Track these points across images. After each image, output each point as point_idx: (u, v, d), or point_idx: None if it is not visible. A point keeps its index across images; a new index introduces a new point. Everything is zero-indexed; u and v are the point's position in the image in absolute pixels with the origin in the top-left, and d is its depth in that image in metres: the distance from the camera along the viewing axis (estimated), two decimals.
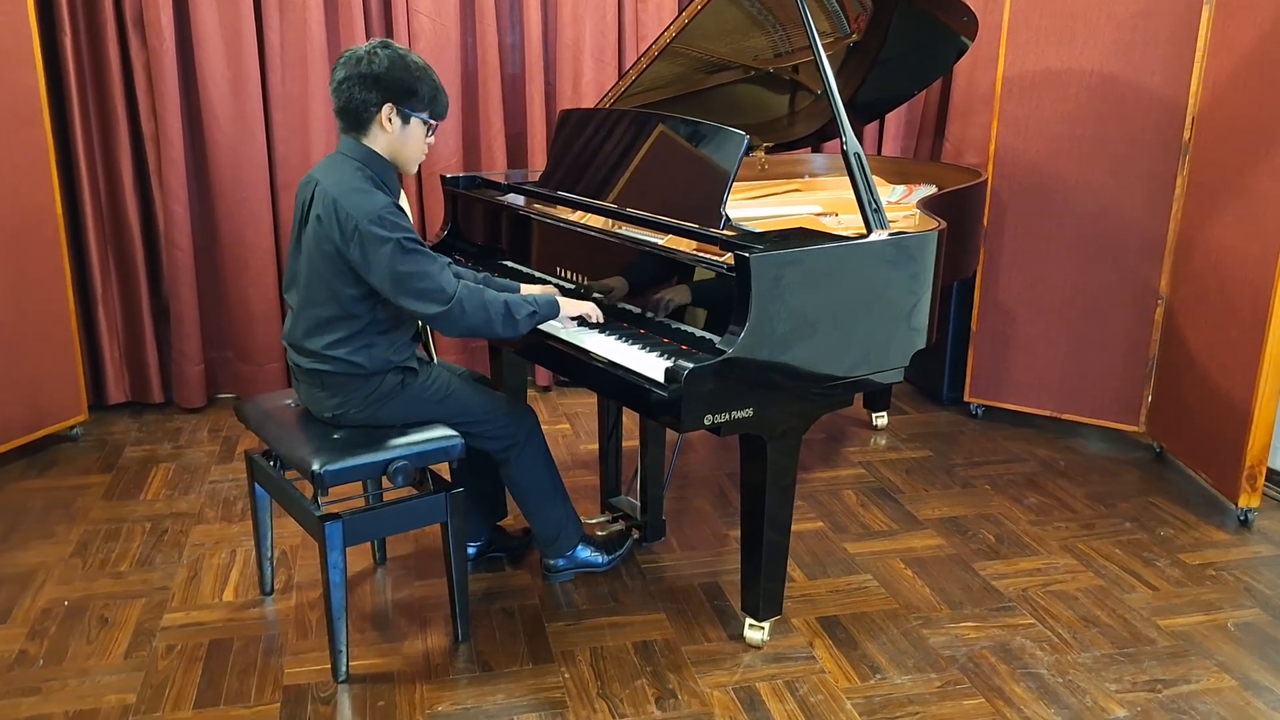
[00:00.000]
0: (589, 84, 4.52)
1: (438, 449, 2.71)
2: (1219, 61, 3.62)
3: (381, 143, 2.67)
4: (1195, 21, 3.70)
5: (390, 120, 2.64)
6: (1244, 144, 3.48)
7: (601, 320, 2.84)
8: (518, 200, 3.41)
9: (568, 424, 4.50)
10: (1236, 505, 3.52)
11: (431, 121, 2.72)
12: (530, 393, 4.75)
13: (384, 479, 2.71)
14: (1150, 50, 3.80)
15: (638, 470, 3.32)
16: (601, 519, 3.37)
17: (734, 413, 2.51)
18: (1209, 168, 3.69)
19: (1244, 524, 3.55)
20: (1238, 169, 3.51)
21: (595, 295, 2.97)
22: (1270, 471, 3.67)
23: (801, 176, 4.29)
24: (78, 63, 4.16)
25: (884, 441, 4.32)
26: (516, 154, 4.68)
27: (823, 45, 2.89)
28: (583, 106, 4.49)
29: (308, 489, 2.66)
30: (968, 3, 3.54)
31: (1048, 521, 3.59)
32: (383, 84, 2.60)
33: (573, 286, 3.07)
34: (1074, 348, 4.20)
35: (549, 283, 3.12)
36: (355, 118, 2.63)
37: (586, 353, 2.73)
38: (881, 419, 4.48)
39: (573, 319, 2.82)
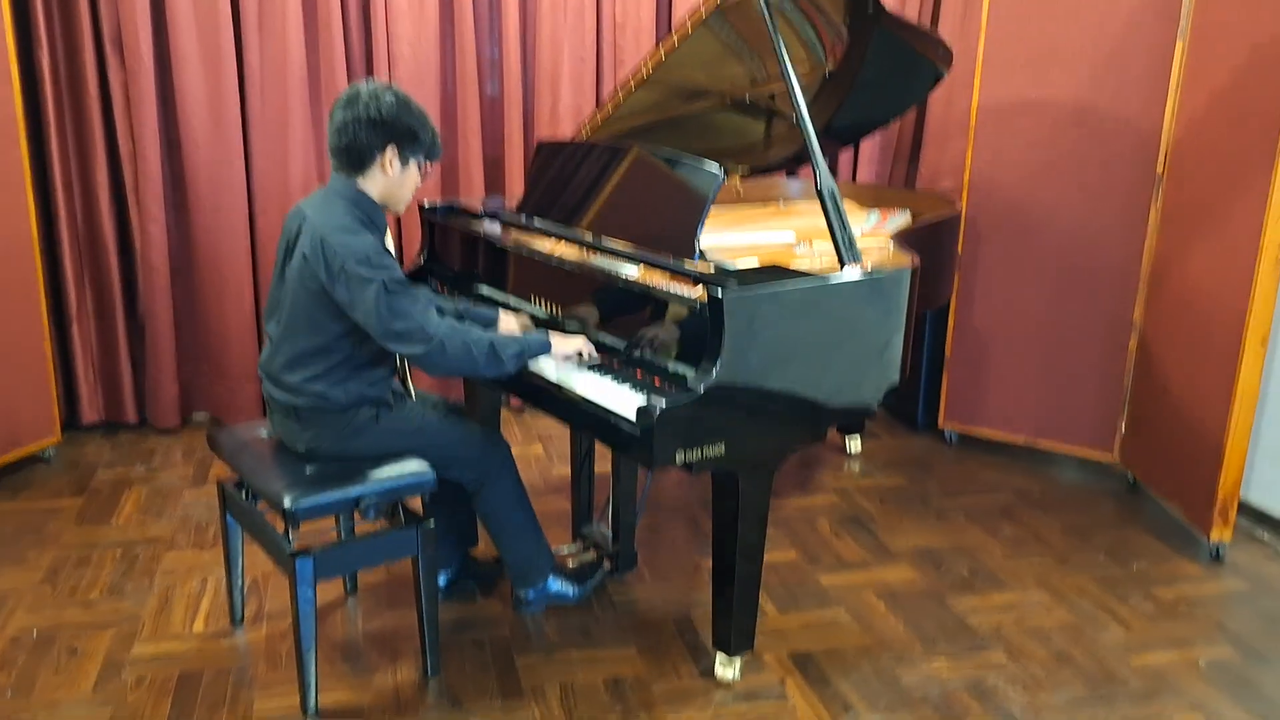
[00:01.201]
0: (567, 109, 4.52)
1: (409, 484, 2.70)
2: (1192, 95, 3.65)
3: (378, 184, 2.68)
4: (1169, 54, 3.72)
5: (391, 163, 2.65)
6: (1217, 177, 3.50)
7: (595, 356, 2.81)
8: (494, 229, 3.41)
9: (540, 446, 4.49)
10: (1209, 539, 3.53)
11: (428, 165, 2.74)
12: (504, 413, 4.74)
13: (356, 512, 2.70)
14: (1125, 82, 3.83)
15: (610, 497, 3.31)
16: (573, 548, 3.36)
17: (706, 450, 2.51)
18: (1183, 199, 3.71)
19: (1216, 558, 3.55)
20: (1212, 202, 3.53)
21: (569, 327, 2.97)
22: (1242, 504, 3.68)
23: (777, 201, 4.31)
24: (55, 82, 4.14)
25: (858, 468, 4.33)
26: (494, 178, 4.67)
27: (800, 73, 2.90)
28: (561, 131, 4.51)
29: (279, 521, 2.65)
30: (943, 35, 3.56)
31: (1022, 554, 3.59)
32: (389, 128, 2.62)
33: (546, 316, 3.07)
34: (1048, 375, 4.22)
35: (524, 311, 3.12)
36: (358, 159, 2.64)
37: (558, 386, 2.72)
38: (855, 444, 4.48)
39: (565, 358, 2.79)
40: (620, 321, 2.82)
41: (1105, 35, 3.83)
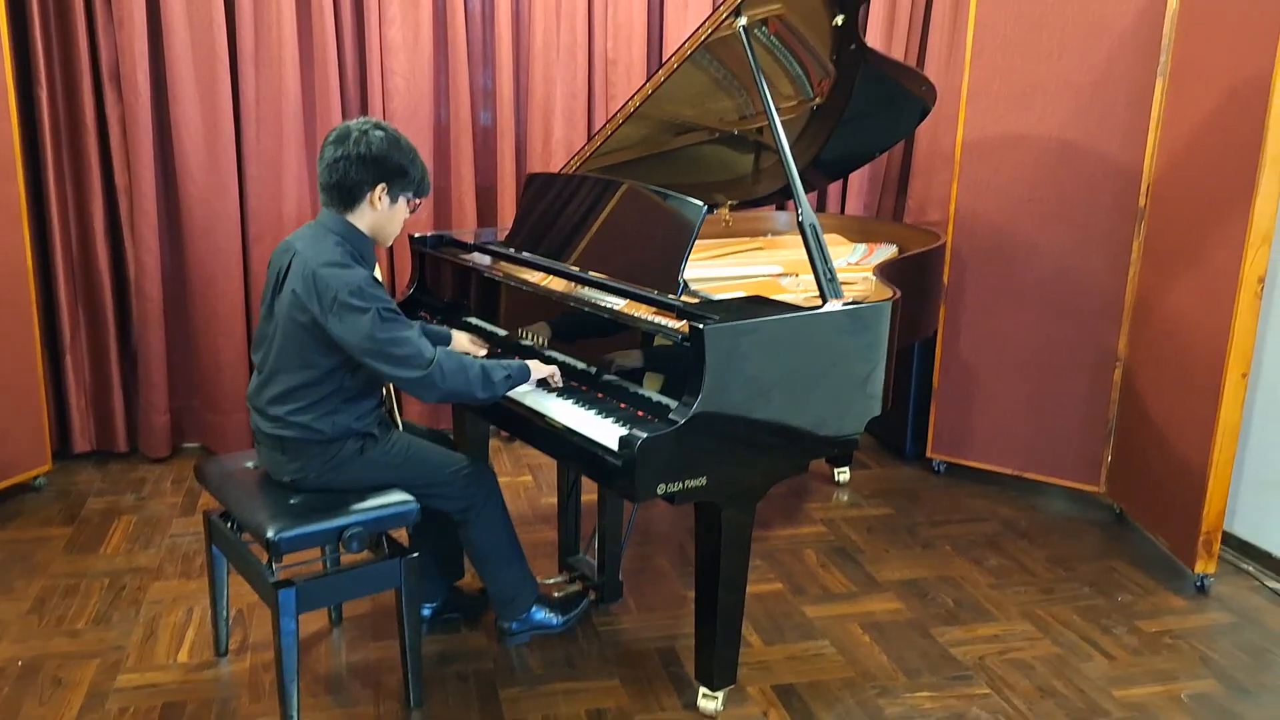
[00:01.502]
0: (559, 142, 4.57)
1: (393, 515, 2.71)
2: (1172, 132, 3.69)
3: (367, 219, 2.71)
4: (1150, 92, 3.77)
5: (380, 199, 2.69)
6: (1198, 214, 3.53)
7: (560, 384, 2.86)
8: (483, 260, 3.44)
9: (530, 476, 4.50)
10: (1193, 571, 3.54)
11: (416, 201, 2.79)
12: (493, 443, 4.76)
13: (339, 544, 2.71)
14: (1106, 118, 3.87)
15: (596, 527, 3.32)
16: (559, 579, 3.37)
17: (688, 481, 2.52)
18: (1165, 234, 3.74)
19: (1201, 590, 3.56)
20: (1193, 238, 3.56)
21: (523, 341, 3.03)
22: (1227, 536, 3.69)
23: (764, 234, 4.35)
24: (53, 115, 4.18)
25: (846, 498, 4.34)
26: (486, 209, 4.72)
27: (787, 108, 2.93)
28: (553, 164, 4.55)
29: (263, 552, 2.66)
30: (929, 72, 3.60)
31: (1007, 585, 3.60)
32: (379, 165, 2.66)
33: (531, 344, 3.10)
34: (1035, 407, 4.23)
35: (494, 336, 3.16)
36: (348, 195, 2.68)
37: (542, 416, 2.75)
38: (844, 474, 4.50)
39: (538, 381, 2.84)
40: (605, 353, 2.84)
41: (1087, 73, 3.87)
